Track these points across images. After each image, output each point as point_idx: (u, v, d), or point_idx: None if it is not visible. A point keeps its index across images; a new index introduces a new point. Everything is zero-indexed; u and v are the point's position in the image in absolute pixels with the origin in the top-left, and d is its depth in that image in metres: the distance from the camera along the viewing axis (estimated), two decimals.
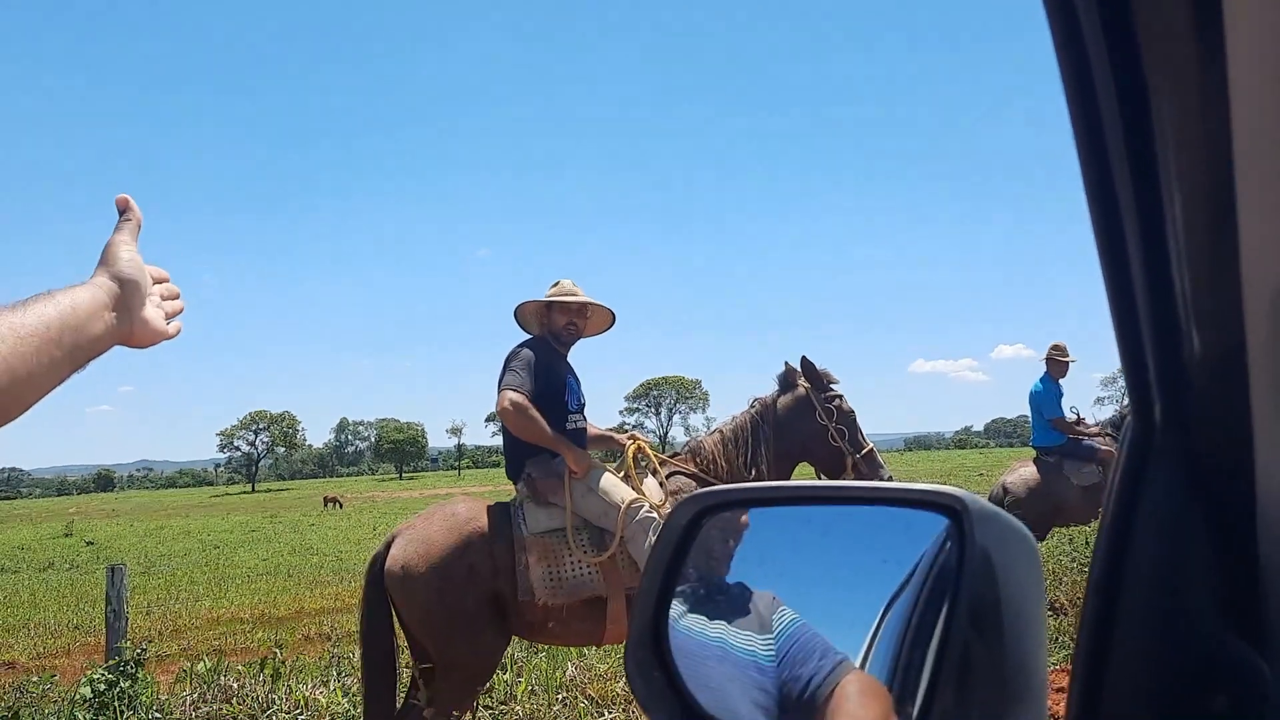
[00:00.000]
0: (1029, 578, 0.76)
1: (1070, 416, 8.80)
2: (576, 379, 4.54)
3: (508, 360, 4.34)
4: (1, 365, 0.91)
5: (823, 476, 4.83)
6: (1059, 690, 4.50)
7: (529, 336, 4.55)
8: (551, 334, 4.52)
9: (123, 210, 1.24)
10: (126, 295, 1.15)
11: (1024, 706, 0.72)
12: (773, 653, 0.83)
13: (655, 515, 4.15)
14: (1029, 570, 0.77)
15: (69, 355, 1.03)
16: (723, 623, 0.88)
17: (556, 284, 4.60)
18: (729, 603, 0.90)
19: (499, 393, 4.22)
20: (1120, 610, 0.63)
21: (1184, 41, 0.48)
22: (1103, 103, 0.52)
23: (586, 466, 4.23)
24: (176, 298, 1.31)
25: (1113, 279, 0.58)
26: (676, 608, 0.89)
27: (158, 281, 1.27)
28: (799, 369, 4.87)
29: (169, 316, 1.27)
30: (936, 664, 0.71)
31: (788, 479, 4.79)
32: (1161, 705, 0.60)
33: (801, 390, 4.82)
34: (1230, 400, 0.57)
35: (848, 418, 4.76)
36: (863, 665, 0.80)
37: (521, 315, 4.64)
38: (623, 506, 4.15)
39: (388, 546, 4.27)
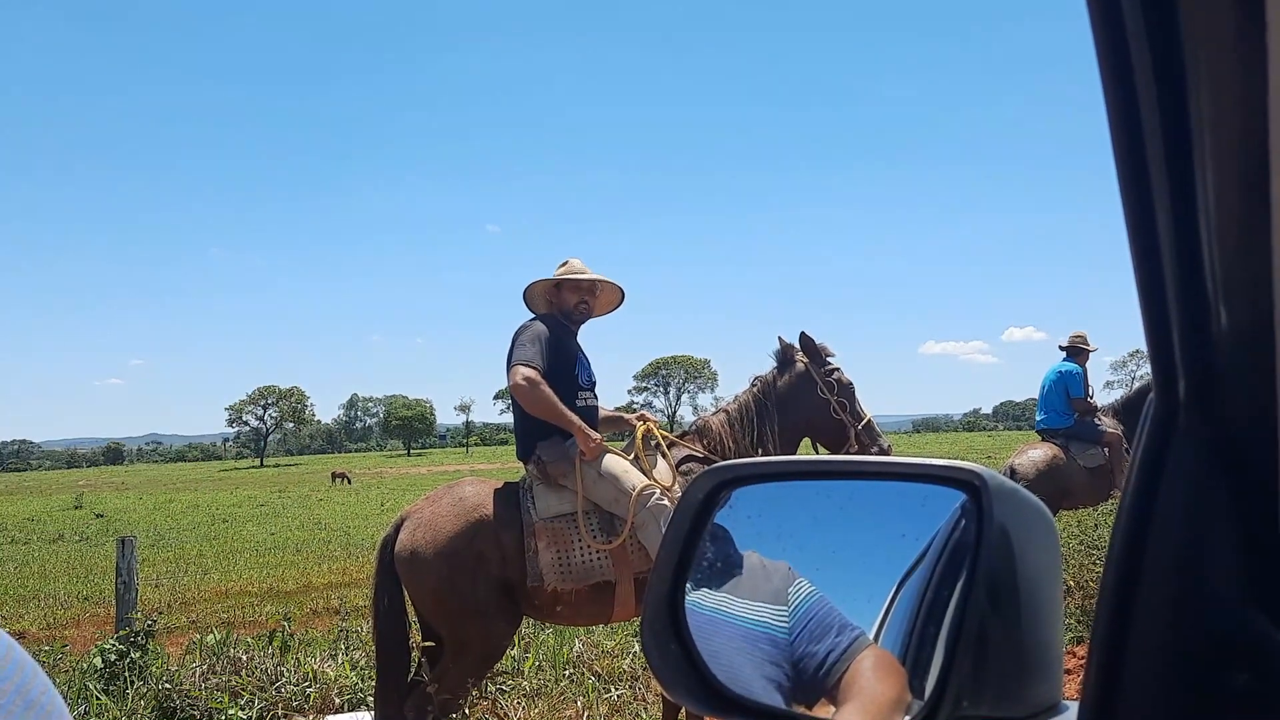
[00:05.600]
0: (1047, 555, 0.76)
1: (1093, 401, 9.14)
2: (586, 357, 4.51)
3: (517, 335, 4.29)
4: None
5: (823, 449, 4.84)
6: (1065, 671, 4.50)
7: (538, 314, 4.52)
8: (562, 313, 4.49)
9: None
10: None
11: (1040, 682, 0.73)
12: (787, 626, 0.83)
13: (667, 503, 4.13)
14: (1047, 547, 0.77)
15: None
16: (737, 595, 0.88)
17: (565, 263, 4.54)
18: (744, 575, 0.90)
19: (510, 368, 4.18)
20: (1140, 589, 0.62)
21: (1224, 17, 0.47)
22: (1139, 78, 0.52)
23: (597, 449, 4.19)
24: None
25: (1140, 252, 0.58)
26: (693, 582, 0.89)
27: None
28: (796, 344, 4.85)
29: None
30: (952, 639, 0.71)
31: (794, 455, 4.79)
32: (1181, 683, 0.60)
33: (800, 365, 4.80)
34: (1258, 378, 0.57)
35: (848, 390, 4.76)
36: (876, 639, 0.80)
37: (530, 297, 4.59)
38: (634, 493, 4.11)
39: (397, 529, 4.26)
